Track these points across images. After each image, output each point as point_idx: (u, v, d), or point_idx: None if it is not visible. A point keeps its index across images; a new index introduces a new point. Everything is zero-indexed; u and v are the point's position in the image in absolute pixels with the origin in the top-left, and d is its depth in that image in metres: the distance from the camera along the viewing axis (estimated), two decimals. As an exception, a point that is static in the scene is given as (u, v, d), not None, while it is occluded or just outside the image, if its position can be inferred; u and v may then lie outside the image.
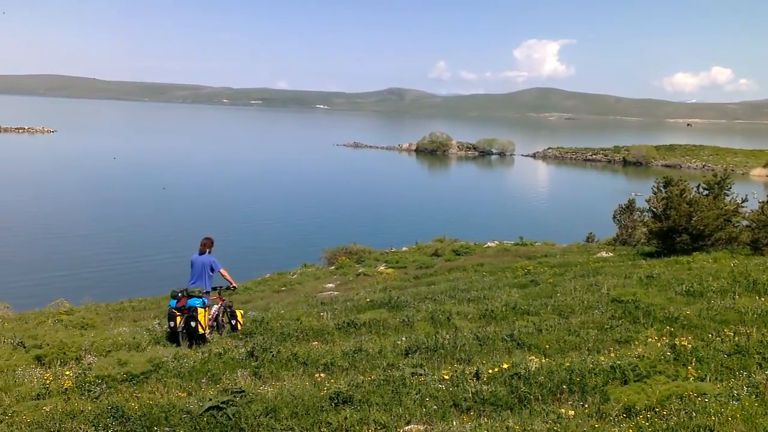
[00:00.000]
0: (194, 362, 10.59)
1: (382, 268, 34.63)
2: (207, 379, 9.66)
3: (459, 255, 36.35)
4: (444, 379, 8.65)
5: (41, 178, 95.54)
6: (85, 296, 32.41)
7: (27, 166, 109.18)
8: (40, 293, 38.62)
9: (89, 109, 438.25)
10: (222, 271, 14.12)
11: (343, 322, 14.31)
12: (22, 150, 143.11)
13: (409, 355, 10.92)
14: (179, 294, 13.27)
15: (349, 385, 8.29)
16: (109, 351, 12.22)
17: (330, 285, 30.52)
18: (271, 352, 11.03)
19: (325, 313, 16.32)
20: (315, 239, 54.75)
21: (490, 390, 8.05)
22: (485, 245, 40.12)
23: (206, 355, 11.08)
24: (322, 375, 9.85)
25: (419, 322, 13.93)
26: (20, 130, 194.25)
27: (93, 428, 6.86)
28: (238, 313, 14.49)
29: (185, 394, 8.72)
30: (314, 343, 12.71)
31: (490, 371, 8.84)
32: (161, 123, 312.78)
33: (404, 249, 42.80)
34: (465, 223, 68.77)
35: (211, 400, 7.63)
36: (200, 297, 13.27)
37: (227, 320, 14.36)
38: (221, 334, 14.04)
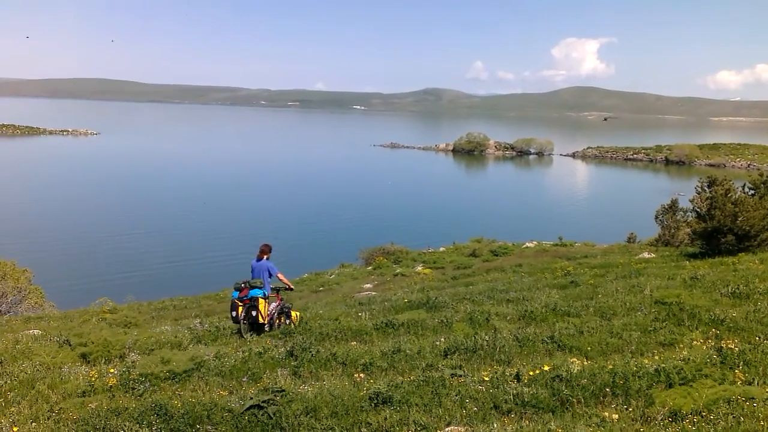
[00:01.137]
0: (235, 361, 10.69)
1: (419, 268, 34.58)
2: (248, 378, 9.75)
3: (497, 255, 36.11)
4: (484, 380, 8.57)
5: (84, 179, 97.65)
6: (128, 295, 33.02)
7: (71, 168, 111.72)
8: (84, 292, 39.50)
9: (131, 111, 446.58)
10: (279, 275, 15.02)
11: (382, 322, 14.30)
12: (66, 152, 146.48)
13: (448, 356, 10.86)
14: (242, 285, 14.21)
15: (388, 386, 8.27)
16: (152, 349, 12.41)
17: (368, 285, 30.57)
18: (310, 351, 11.07)
19: (364, 314, 16.34)
20: (352, 239, 54.96)
21: (531, 392, 7.96)
22: (524, 246, 39.78)
23: (246, 354, 11.18)
24: (362, 375, 9.85)
25: (458, 323, 13.85)
26: (65, 133, 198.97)
27: (137, 425, 6.96)
28: (294, 314, 15.18)
29: (226, 393, 8.81)
30: (353, 343, 12.73)
31: (531, 373, 8.74)
32: (200, 124, 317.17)
33: (441, 249, 42.67)
34: (503, 223, 68.28)
35: (252, 399, 7.69)
36: (261, 288, 14.19)
37: (283, 319, 15.06)
38: (278, 329, 14.58)
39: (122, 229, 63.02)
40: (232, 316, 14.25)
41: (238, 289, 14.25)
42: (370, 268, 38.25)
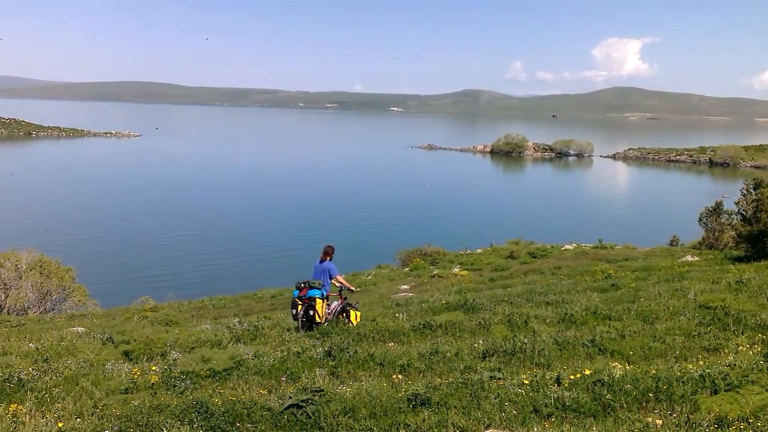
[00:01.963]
0: (274, 360, 10.75)
1: (456, 270, 34.44)
2: (286, 378, 9.80)
3: (535, 257, 35.78)
4: (523, 383, 8.47)
5: (125, 180, 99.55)
6: (169, 294, 33.60)
7: (113, 170, 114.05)
8: (125, 291, 40.31)
9: (173, 114, 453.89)
10: (338, 277, 15.43)
11: (419, 323, 14.26)
12: (108, 153, 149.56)
13: (487, 359, 10.77)
14: (302, 285, 14.69)
15: (426, 387, 8.23)
16: (193, 347, 12.56)
17: (404, 286, 30.55)
18: (348, 352, 11.08)
19: (401, 315, 16.31)
20: (389, 241, 55.05)
21: (572, 396, 7.84)
22: (562, 248, 39.33)
23: (285, 353, 11.23)
24: (399, 376, 9.82)
25: (496, 325, 13.74)
26: (108, 135, 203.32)
27: (179, 423, 7.04)
28: (354, 313, 15.42)
29: (266, 392, 8.87)
30: (390, 344, 12.71)
31: (572, 377, 8.60)
32: (239, 126, 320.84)
33: (479, 251, 42.44)
34: (541, 225, 67.64)
35: (291, 398, 7.72)
36: (319, 289, 14.61)
37: (343, 318, 15.32)
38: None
39: (163, 229, 64.10)
40: (292, 313, 14.99)
41: (299, 288, 14.77)
42: (406, 269, 38.23)
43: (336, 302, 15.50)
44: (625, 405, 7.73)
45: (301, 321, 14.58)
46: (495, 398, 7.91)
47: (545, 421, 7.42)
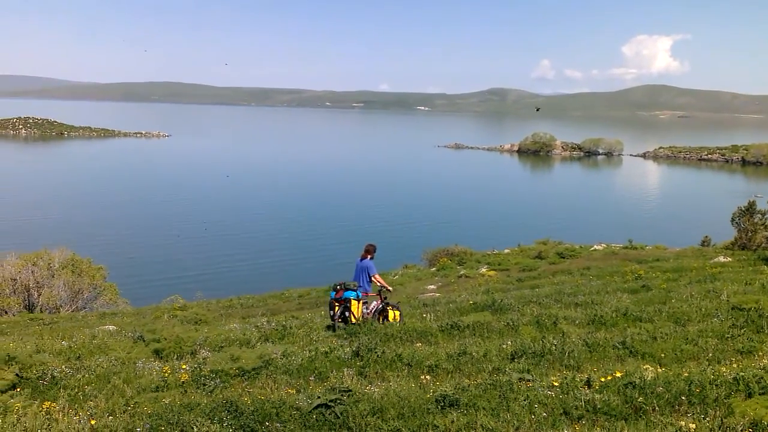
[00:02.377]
0: (302, 360, 10.80)
1: (484, 270, 34.27)
2: (314, 377, 9.83)
3: (564, 258, 35.46)
4: (553, 385, 8.39)
5: (154, 179, 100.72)
6: (197, 293, 33.91)
7: (143, 169, 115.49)
8: (155, 289, 40.80)
9: (201, 114, 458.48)
10: (375, 276, 15.49)
11: (446, 324, 14.21)
12: (139, 153, 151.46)
13: (515, 360, 10.70)
14: (337, 287, 14.85)
15: (455, 389, 8.20)
16: (222, 346, 12.67)
17: (431, 286, 30.48)
18: (375, 352, 11.08)
19: (428, 315, 16.28)
20: (416, 240, 54.97)
21: (603, 399, 7.74)
22: (591, 248, 38.93)
23: (313, 353, 11.27)
24: (427, 377, 9.80)
25: (524, 326, 13.64)
26: (138, 135, 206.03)
27: (209, 421, 7.10)
28: (393, 313, 15.47)
29: (294, 391, 8.90)
30: (418, 345, 12.68)
31: (603, 379, 8.50)
32: (266, 126, 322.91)
33: (506, 251, 42.19)
34: (569, 225, 67.06)
35: (319, 398, 7.74)
36: (355, 290, 14.76)
37: (381, 318, 15.38)
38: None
39: (191, 229, 64.75)
40: (330, 314, 15.10)
41: (335, 290, 14.91)
42: (433, 269, 38.13)
43: (375, 302, 15.56)
44: (657, 408, 7.62)
45: (337, 322, 14.75)
46: (524, 400, 7.84)
47: (576, 424, 7.35)
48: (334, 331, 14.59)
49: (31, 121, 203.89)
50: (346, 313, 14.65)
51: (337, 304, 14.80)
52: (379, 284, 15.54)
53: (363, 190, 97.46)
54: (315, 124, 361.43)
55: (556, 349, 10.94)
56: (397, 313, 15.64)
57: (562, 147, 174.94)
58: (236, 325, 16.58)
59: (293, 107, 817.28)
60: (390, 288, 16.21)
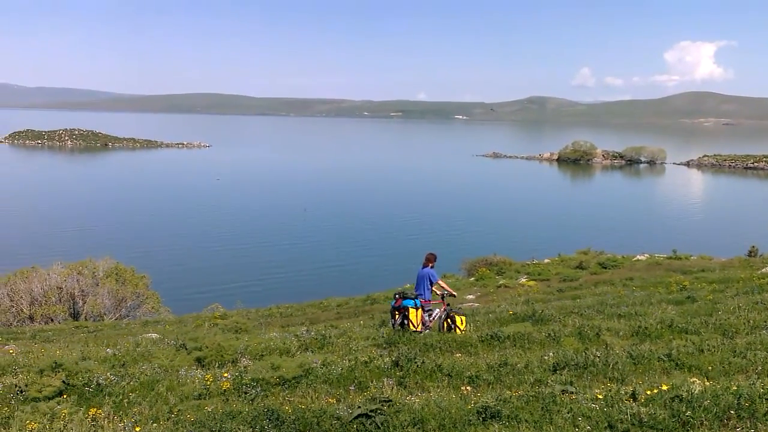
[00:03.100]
0: (342, 369, 10.80)
1: (523, 280, 33.94)
2: (354, 387, 9.82)
3: (606, 268, 34.91)
4: (597, 398, 8.23)
5: (195, 190, 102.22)
6: (237, 301, 34.27)
7: (184, 179, 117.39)
8: (196, 298, 41.36)
9: (240, 124, 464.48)
10: (440, 282, 15.82)
11: (486, 334, 14.07)
12: (181, 163, 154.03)
13: (557, 372, 10.53)
14: (396, 295, 15.36)
15: (496, 400, 8.10)
16: (262, 355, 12.75)
17: (470, 296, 30.28)
18: (415, 362, 11.03)
19: (468, 325, 16.16)
20: (454, 250, 54.63)
21: (649, 412, 7.56)
22: (634, 258, 38.25)
23: (353, 362, 11.27)
24: (468, 388, 9.71)
25: (566, 338, 13.43)
26: (180, 146, 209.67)
27: (250, 429, 7.14)
28: (460, 318, 15.54)
29: (334, 401, 8.91)
30: (457, 355, 12.59)
31: (648, 392, 8.31)
32: (305, 136, 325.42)
33: (546, 261, 41.70)
34: (611, 235, 66.04)
35: (360, 407, 7.71)
36: (413, 299, 15.13)
37: (447, 324, 15.53)
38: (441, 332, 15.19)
39: (230, 238, 65.53)
40: (391, 323, 15.63)
41: (395, 299, 15.41)
42: (472, 279, 37.88)
43: (438, 309, 15.78)
44: (705, 422, 7.42)
45: (397, 329, 15.08)
46: (567, 413, 7.71)
47: (621, 438, 7.20)
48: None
49: (76, 132, 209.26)
50: (405, 321, 15.01)
51: (397, 312, 15.28)
52: (442, 290, 15.88)
53: (401, 199, 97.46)
54: (353, 134, 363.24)
55: (599, 361, 10.74)
56: (464, 318, 15.73)
57: (603, 155, 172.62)
58: (276, 334, 16.68)
59: (331, 117, 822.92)
60: (454, 293, 16.42)
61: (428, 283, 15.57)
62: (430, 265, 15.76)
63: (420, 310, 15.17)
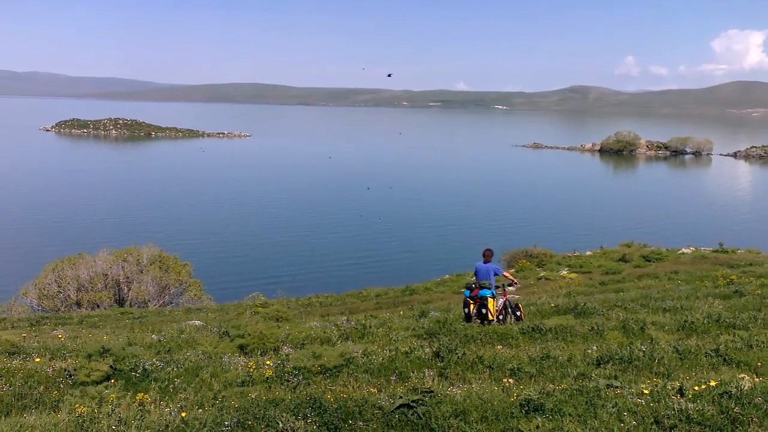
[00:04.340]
0: (382, 359, 10.82)
1: (564, 272, 33.55)
2: (396, 377, 9.83)
3: (649, 261, 34.31)
4: (643, 393, 8.10)
5: (234, 180, 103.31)
6: (278, 290, 34.63)
7: (225, 168, 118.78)
8: (237, 286, 41.92)
9: (280, 114, 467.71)
10: (505, 273, 16.44)
11: (528, 326, 13.96)
12: (222, 153, 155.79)
13: (601, 366, 10.40)
14: (473, 285, 15.66)
15: (539, 393, 8.01)
16: (304, 344, 12.85)
17: (510, 288, 30.00)
18: (456, 353, 10.99)
19: (508, 317, 16.05)
20: (493, 241, 54.21)
21: (696, 408, 7.41)
22: (679, 251, 37.49)
23: (393, 353, 11.29)
24: (510, 380, 9.64)
25: (610, 331, 13.24)
26: (221, 135, 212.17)
27: (293, 417, 7.20)
28: (521, 305, 16.20)
29: (375, 390, 8.92)
30: (498, 347, 12.52)
31: (696, 388, 8.15)
32: (344, 126, 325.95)
33: (588, 253, 41.14)
34: (655, 227, 64.88)
35: (401, 398, 7.71)
36: (490, 288, 15.48)
37: (511, 311, 16.00)
38: (505, 323, 15.42)
39: (271, 228, 66.18)
40: (464, 312, 15.77)
41: (470, 289, 15.70)
42: (512, 270, 37.56)
43: (501, 299, 16.06)
44: (755, 419, 7.25)
45: (474, 319, 15.33)
46: (612, 407, 7.60)
47: (667, 434, 7.07)
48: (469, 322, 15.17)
49: (120, 122, 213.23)
50: (483, 310, 15.26)
51: (471, 302, 15.47)
52: (507, 280, 16.41)
53: (440, 190, 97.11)
54: (392, 124, 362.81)
55: (644, 356, 10.58)
56: (521, 304, 16.32)
57: (647, 146, 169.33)
58: (316, 323, 16.80)
59: (371, 107, 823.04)
60: (517, 282, 17.06)
61: (493, 275, 15.87)
62: (491, 259, 16.21)
63: (495, 300, 15.59)
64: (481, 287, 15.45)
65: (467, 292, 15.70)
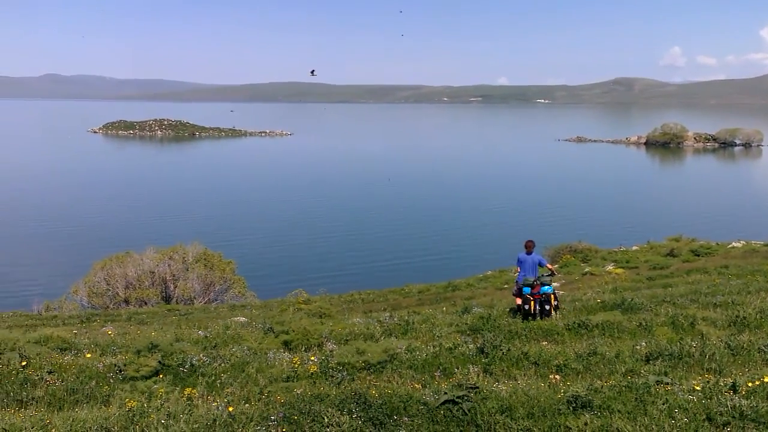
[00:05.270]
0: (426, 355, 10.80)
1: (610, 267, 32.97)
2: (440, 373, 9.80)
3: (698, 255, 33.49)
4: (694, 389, 7.92)
5: (278, 177, 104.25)
6: (320, 288, 34.84)
7: (268, 167, 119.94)
8: (279, 283, 42.31)
9: (321, 112, 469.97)
10: (548, 265, 16.58)
11: (573, 322, 13.76)
12: (263, 151, 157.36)
13: (650, 362, 10.19)
14: (535, 282, 15.59)
15: (587, 390, 7.90)
16: (347, 340, 12.91)
17: (554, 284, 29.63)
18: (501, 349, 10.91)
19: (553, 313, 15.85)
20: (536, 237, 53.65)
21: (750, 405, 7.21)
22: (729, 245, 36.55)
23: (437, 348, 11.26)
24: (556, 376, 9.52)
25: (659, 327, 12.97)
26: (263, 134, 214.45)
27: (338, 412, 7.23)
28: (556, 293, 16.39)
29: (419, 386, 8.90)
30: (544, 343, 12.37)
31: (749, 384, 7.93)
32: (384, 123, 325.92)
33: (634, 248, 40.41)
34: (704, 221, 63.40)
35: (446, 393, 7.68)
36: (550, 285, 15.65)
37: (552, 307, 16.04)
38: (551, 318, 15.44)
39: (313, 225, 66.62)
40: (524, 308, 15.58)
41: (530, 286, 15.57)
42: (555, 266, 37.09)
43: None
44: (812, 418, 7.01)
45: (535, 315, 15.27)
46: (663, 404, 7.45)
47: (720, 431, 6.89)
48: (525, 320, 15.08)
49: (165, 122, 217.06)
50: (546, 306, 15.32)
51: (532, 298, 15.42)
52: (548, 272, 16.38)
53: (482, 185, 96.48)
54: (433, 119, 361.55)
55: (695, 352, 10.34)
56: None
57: (695, 138, 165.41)
58: (359, 320, 16.84)
59: (411, 103, 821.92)
60: (556, 272, 16.97)
61: (537, 267, 16.06)
62: (534, 251, 16.38)
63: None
64: (542, 284, 15.52)
65: (527, 290, 15.56)
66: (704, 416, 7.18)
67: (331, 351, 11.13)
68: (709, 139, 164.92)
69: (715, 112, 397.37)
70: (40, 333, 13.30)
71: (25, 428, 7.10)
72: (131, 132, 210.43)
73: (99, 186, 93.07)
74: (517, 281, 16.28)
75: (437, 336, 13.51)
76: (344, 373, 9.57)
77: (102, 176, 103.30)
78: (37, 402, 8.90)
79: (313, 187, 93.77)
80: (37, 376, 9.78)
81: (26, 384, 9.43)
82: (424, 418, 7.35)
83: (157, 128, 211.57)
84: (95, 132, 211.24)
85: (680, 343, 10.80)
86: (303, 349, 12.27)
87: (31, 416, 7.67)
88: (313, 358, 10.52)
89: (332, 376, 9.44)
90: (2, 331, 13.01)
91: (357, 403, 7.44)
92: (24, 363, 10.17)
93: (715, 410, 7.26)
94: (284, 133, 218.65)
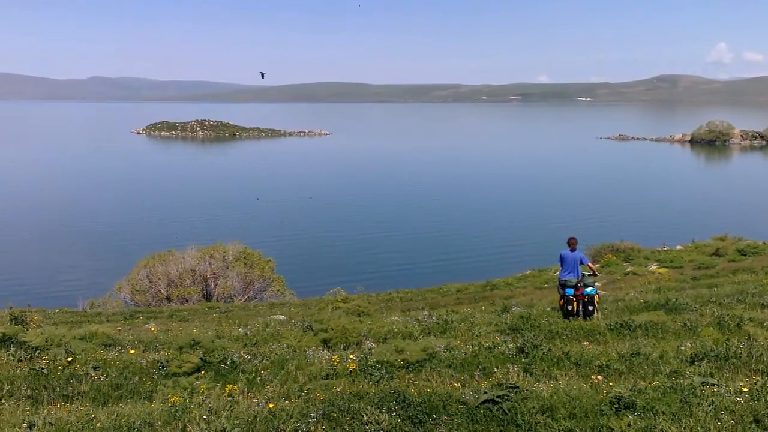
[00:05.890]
0: (465, 354, 10.73)
1: (653, 267, 32.44)
2: (480, 372, 9.73)
3: (745, 255, 32.75)
4: (741, 391, 7.72)
5: (317, 177, 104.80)
6: (358, 286, 34.90)
7: (307, 166, 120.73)
8: (317, 281, 42.54)
9: (359, 112, 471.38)
10: (589, 264, 16.20)
11: (616, 322, 13.54)
12: (302, 151, 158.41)
13: (696, 363, 9.96)
14: (577, 284, 15.45)
15: (630, 390, 7.76)
16: (386, 338, 12.90)
17: (596, 284, 29.24)
18: (541, 349, 10.78)
19: (595, 313, 15.64)
20: (578, 235, 53.00)
21: (800, 408, 7.01)
22: (777, 245, 35.61)
23: (476, 348, 11.18)
24: (598, 377, 9.37)
25: (704, 328, 12.67)
26: (301, 134, 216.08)
27: (378, 410, 7.23)
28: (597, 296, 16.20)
29: (459, 385, 8.85)
30: (585, 343, 12.20)
31: (800, 387, 7.70)
32: (422, 122, 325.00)
33: (678, 248, 39.66)
34: (750, 220, 61.91)
35: (486, 393, 7.63)
36: (593, 286, 15.53)
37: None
38: (593, 318, 15.38)
39: (351, 224, 66.84)
40: (566, 309, 15.52)
41: (574, 287, 15.46)
42: (597, 265, 36.58)
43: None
44: None
45: (579, 315, 15.18)
46: (708, 406, 7.27)
47: (768, 434, 6.71)
48: (567, 319, 15.02)
49: (207, 123, 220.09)
50: (590, 308, 15.24)
51: (574, 299, 15.34)
52: (590, 270, 16.11)
53: (521, 184, 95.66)
54: (471, 119, 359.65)
55: (742, 353, 10.06)
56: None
57: (742, 136, 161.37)
58: (397, 318, 16.82)
59: (449, 102, 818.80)
60: (597, 272, 16.73)
61: (579, 264, 15.82)
62: (576, 248, 16.11)
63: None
64: (586, 285, 15.36)
65: (570, 290, 15.40)
66: (751, 418, 7.01)
67: (369, 349, 11.12)
68: (756, 137, 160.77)
69: (764, 110, 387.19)
70: (86, 329, 13.59)
71: (71, 422, 7.26)
72: (173, 132, 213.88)
73: (142, 185, 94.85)
74: (559, 278, 16.09)
75: (476, 335, 13.43)
76: (383, 372, 9.56)
77: (145, 176, 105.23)
78: (82, 397, 9.09)
79: (351, 187, 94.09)
80: (83, 371, 9.99)
81: (72, 379, 9.64)
82: (463, 417, 7.30)
83: (198, 129, 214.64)
84: (138, 133, 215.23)
85: (726, 344, 10.53)
86: (342, 347, 12.30)
87: (76, 411, 7.84)
88: (351, 356, 10.53)
89: (371, 374, 9.43)
90: (49, 328, 13.30)
91: (396, 402, 7.44)
92: (70, 359, 10.40)
93: (762, 412, 7.08)
94: (323, 132, 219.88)
